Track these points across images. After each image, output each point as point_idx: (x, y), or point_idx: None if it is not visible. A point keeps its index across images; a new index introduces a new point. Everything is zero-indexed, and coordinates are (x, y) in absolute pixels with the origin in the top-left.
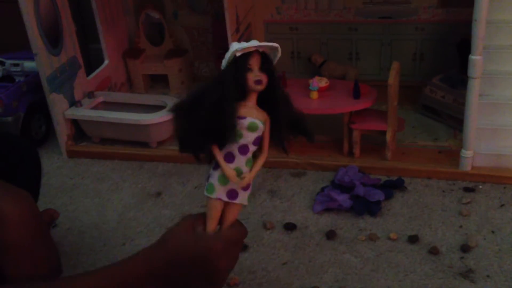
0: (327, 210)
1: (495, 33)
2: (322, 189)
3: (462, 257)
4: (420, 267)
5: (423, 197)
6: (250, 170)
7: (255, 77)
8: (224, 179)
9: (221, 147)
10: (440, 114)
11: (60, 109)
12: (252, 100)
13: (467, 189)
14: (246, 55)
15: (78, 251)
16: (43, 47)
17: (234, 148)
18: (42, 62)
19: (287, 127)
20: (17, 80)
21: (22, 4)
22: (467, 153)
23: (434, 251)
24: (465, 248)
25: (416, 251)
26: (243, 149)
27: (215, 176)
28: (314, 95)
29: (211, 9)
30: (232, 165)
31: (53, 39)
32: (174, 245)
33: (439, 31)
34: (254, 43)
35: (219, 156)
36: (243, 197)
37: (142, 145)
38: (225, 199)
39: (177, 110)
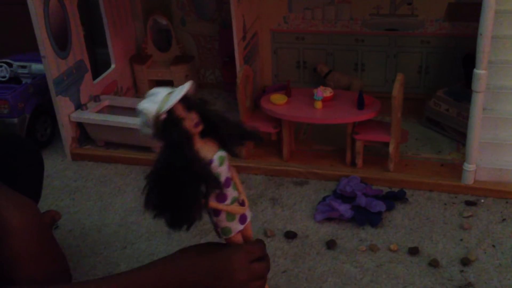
0: (328, 219)
1: (500, 48)
2: (324, 199)
3: (462, 271)
4: (420, 279)
5: (424, 210)
6: (238, 189)
7: (191, 121)
8: (231, 215)
9: (207, 196)
10: (444, 127)
11: (65, 111)
12: (197, 142)
13: (469, 203)
14: (170, 111)
15: (79, 254)
16: (51, 50)
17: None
18: (50, 65)
19: (234, 139)
20: (24, 82)
21: (31, 6)
22: (469, 167)
23: (434, 263)
24: (465, 262)
25: (416, 263)
26: (227, 183)
27: (222, 219)
28: (319, 104)
29: (219, 16)
30: (228, 201)
31: (61, 42)
32: (186, 263)
33: (445, 44)
34: (170, 96)
35: (216, 205)
36: (249, 213)
37: (145, 150)
38: (241, 227)
39: (149, 202)
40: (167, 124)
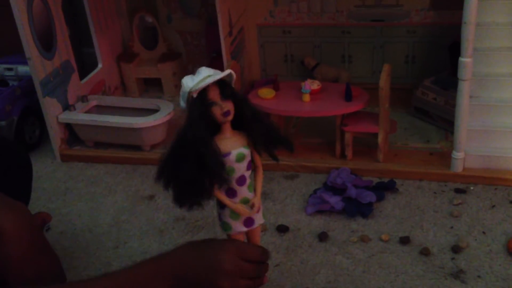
0: (320, 212)
1: (485, 35)
2: (315, 191)
3: (453, 258)
4: (411, 268)
5: (414, 199)
6: (255, 192)
7: (221, 109)
8: (236, 214)
9: (219, 186)
10: (432, 116)
11: (53, 113)
12: (227, 131)
13: (458, 191)
14: (204, 91)
15: (71, 255)
16: (36, 51)
17: (232, 184)
18: (35, 66)
19: (262, 140)
20: (11, 85)
21: (15, 8)
22: (458, 155)
23: (425, 252)
24: (456, 249)
25: (407, 252)
26: (241, 180)
27: (226, 214)
28: (306, 97)
29: (205, 12)
30: (237, 199)
31: (47, 43)
32: (178, 257)
33: (431, 33)
34: (207, 78)
35: (223, 197)
36: (259, 219)
37: (135, 149)
38: (244, 229)
39: (161, 174)
40: (195, 102)
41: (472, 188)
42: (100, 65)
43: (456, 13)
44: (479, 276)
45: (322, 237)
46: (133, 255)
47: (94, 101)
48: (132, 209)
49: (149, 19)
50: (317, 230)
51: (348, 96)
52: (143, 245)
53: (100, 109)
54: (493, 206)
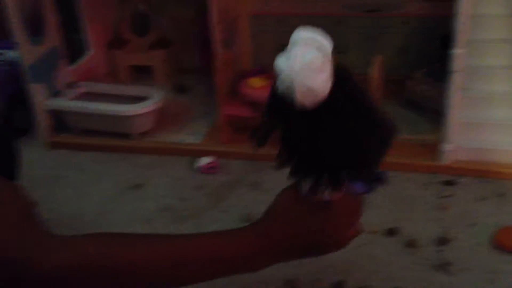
0: None
1: (477, 27)
2: None
3: (440, 250)
4: (398, 259)
5: (404, 190)
6: None
7: None
8: None
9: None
10: (424, 108)
11: (41, 99)
12: None
13: (448, 183)
14: None
15: None
16: (25, 36)
17: None
18: (23, 52)
19: None
20: None
21: None
22: (448, 147)
23: (412, 243)
24: (443, 241)
25: (394, 244)
26: None
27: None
28: None
29: (197, 0)
30: None
31: (35, 28)
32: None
33: (425, 25)
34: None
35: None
36: None
37: (124, 137)
38: None
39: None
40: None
41: (462, 180)
42: (90, 52)
43: (450, 4)
44: (465, 269)
45: None
46: None
47: (83, 87)
48: (120, 198)
49: (141, 5)
50: None
51: None
52: None
53: (89, 96)
54: (482, 198)
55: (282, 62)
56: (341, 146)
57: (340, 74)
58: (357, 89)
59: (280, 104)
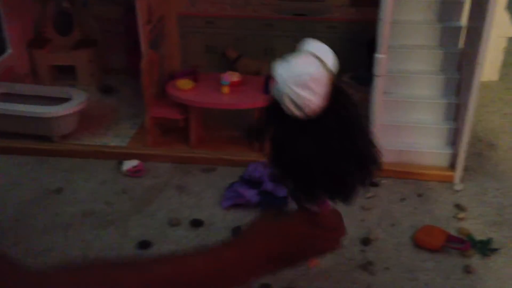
0: (236, 206)
1: (399, 33)
2: (231, 185)
3: (362, 250)
4: (322, 260)
5: None
6: None
7: None
8: None
9: None
10: None
11: None
12: None
13: (371, 184)
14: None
15: None
16: None
17: None
18: None
19: None
20: None
21: None
22: None
23: None
24: (365, 241)
25: None
26: None
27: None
28: (226, 89)
29: None
30: None
31: None
32: (263, 239)
33: (350, 29)
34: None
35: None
36: None
37: (45, 139)
38: None
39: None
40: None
41: (383, 181)
42: (9, 51)
43: (375, 10)
44: (386, 268)
45: (236, 231)
46: (32, 253)
47: (2, 88)
48: (39, 203)
49: (64, 3)
50: (231, 224)
51: (266, 89)
52: (50, 240)
53: (8, 97)
54: (403, 199)
55: (281, 69)
56: (318, 162)
57: (337, 95)
58: (350, 113)
59: (276, 108)
